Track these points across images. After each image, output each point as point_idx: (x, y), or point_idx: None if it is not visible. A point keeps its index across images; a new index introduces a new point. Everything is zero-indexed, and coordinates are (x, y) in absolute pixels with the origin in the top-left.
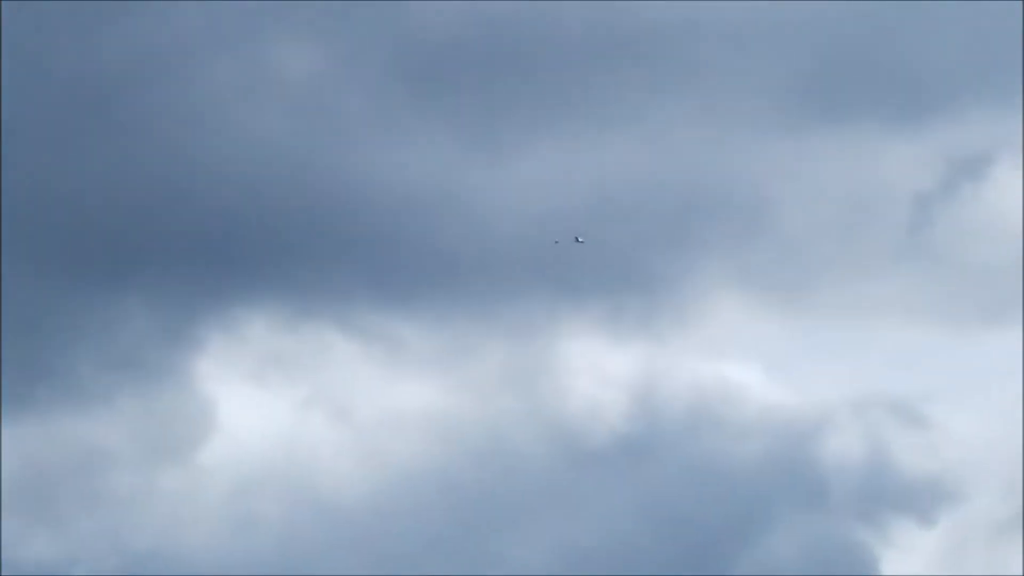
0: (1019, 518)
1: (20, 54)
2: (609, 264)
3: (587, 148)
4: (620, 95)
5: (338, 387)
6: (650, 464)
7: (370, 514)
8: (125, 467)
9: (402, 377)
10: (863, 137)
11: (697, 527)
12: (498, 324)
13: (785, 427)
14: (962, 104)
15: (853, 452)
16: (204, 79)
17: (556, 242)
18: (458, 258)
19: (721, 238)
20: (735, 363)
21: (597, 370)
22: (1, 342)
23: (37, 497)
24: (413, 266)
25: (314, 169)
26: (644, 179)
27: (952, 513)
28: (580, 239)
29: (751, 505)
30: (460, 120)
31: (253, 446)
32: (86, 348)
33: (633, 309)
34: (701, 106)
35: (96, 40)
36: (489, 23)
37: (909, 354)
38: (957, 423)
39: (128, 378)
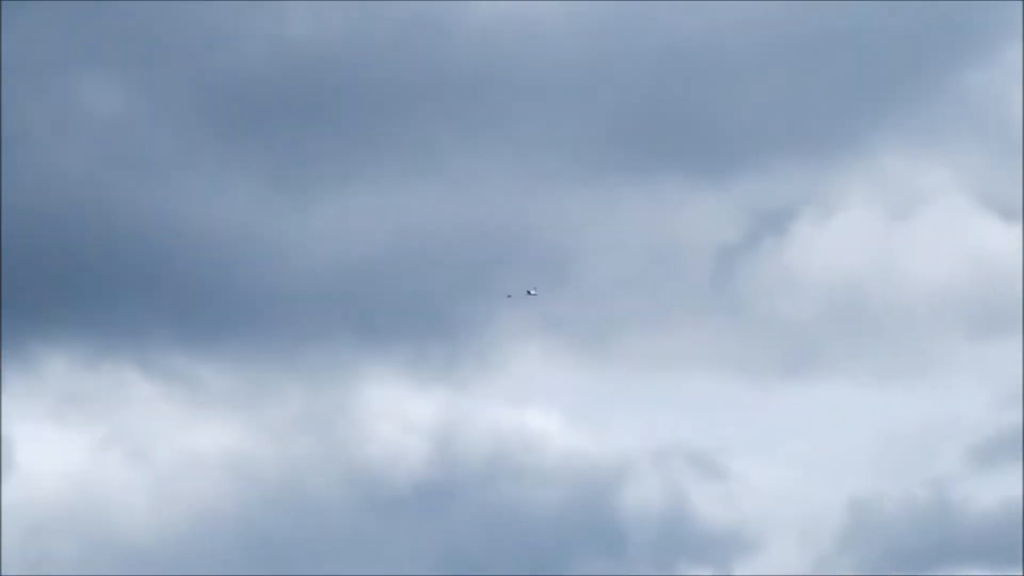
0: (814, 571)
1: None
2: (412, 309)
3: (392, 193)
4: (426, 142)
5: (136, 427)
6: (449, 511)
7: (167, 556)
8: None
9: (201, 418)
10: (667, 189)
11: (496, 573)
12: (299, 367)
13: (585, 475)
14: (766, 158)
15: (652, 502)
16: (8, 115)
17: (509, 296)
18: (260, 299)
19: (523, 285)
20: (536, 411)
21: (398, 415)
22: None
23: None
24: (215, 306)
25: (116, 206)
26: (449, 225)
27: (748, 564)
28: (533, 291)
29: (549, 553)
30: (266, 161)
31: (49, 485)
32: None
33: (435, 355)
34: (506, 155)
35: None
36: (298, 65)
37: (709, 405)
38: (755, 475)
39: None
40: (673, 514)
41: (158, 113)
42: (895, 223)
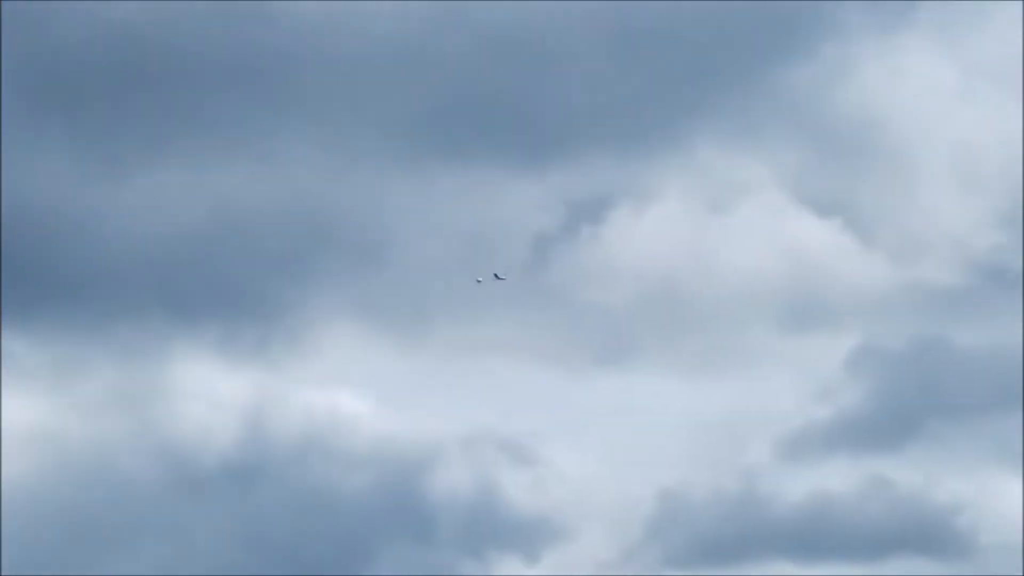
0: (621, 558)
1: None
2: (225, 289)
3: (207, 171)
4: (244, 121)
5: None
6: (259, 491)
7: None
8: None
9: (10, 392)
10: (484, 176)
11: (304, 556)
12: (110, 343)
13: (395, 460)
14: (583, 148)
15: (462, 487)
16: None
17: (479, 280)
18: (71, 275)
19: (339, 269)
20: (348, 393)
21: (209, 394)
22: None
23: None
24: (25, 280)
25: None
26: (264, 205)
27: (557, 551)
28: (501, 276)
29: (359, 536)
30: (80, 135)
31: None
32: None
33: (248, 335)
34: (324, 137)
35: None
36: (114, 42)
37: (521, 392)
38: (565, 463)
39: None
40: (483, 500)
41: None
42: (711, 216)
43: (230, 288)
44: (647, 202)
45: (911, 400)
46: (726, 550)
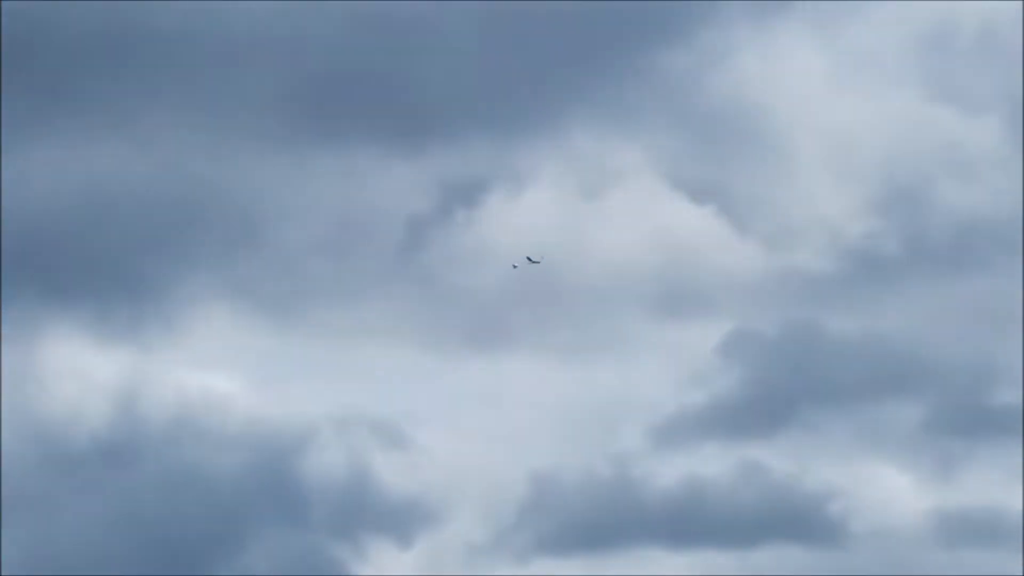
0: (493, 541)
1: None
2: (98, 268)
3: (80, 148)
4: (118, 98)
5: None
6: (131, 472)
7: None
8: None
9: None
10: (359, 157)
11: (175, 537)
12: None
13: (268, 441)
14: (459, 130)
15: (335, 470)
16: None
17: (514, 266)
18: None
19: (212, 249)
20: (221, 375)
21: (81, 374)
22: None
23: None
24: None
25: None
26: (137, 184)
27: (430, 534)
28: (535, 259)
29: (230, 518)
30: None
31: None
32: None
33: (120, 315)
34: (198, 116)
35: None
36: None
37: (395, 375)
38: (438, 446)
39: None
40: (355, 483)
41: None
42: (585, 200)
43: (102, 268)
44: (522, 186)
45: (784, 386)
46: (598, 535)
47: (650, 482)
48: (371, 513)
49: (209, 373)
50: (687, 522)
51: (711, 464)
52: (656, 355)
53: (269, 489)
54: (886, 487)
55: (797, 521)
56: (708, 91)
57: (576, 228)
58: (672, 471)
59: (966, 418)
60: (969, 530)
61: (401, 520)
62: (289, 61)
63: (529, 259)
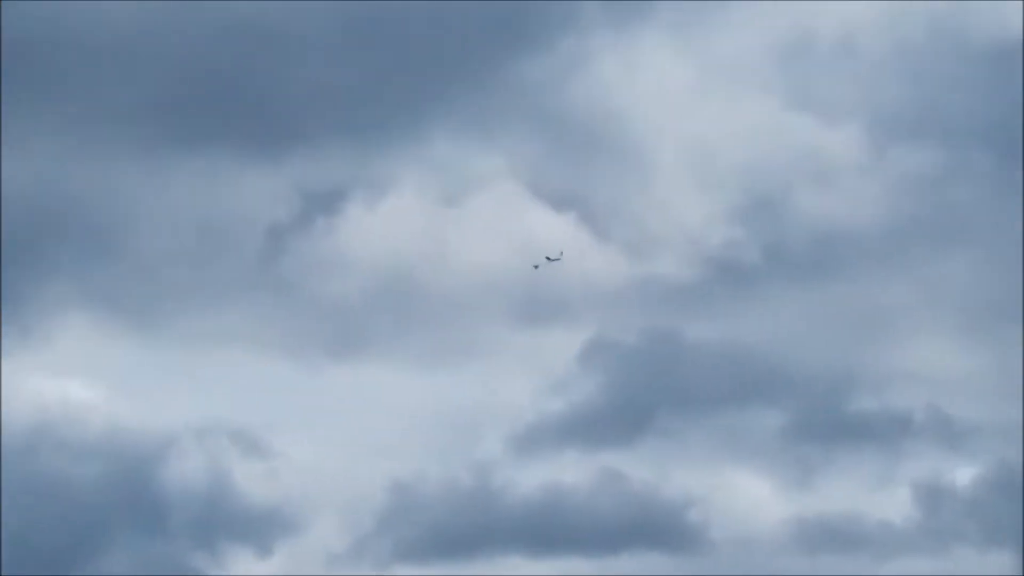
0: (353, 550)
1: None
2: None
3: None
4: None
5: None
6: None
7: None
8: None
9: None
10: (219, 165)
11: (34, 545)
12: None
13: (128, 450)
14: (319, 138)
15: (195, 478)
16: None
17: (536, 267)
18: None
19: (71, 256)
20: (80, 383)
21: None
22: None
23: None
24: None
25: None
26: None
27: (290, 542)
28: (556, 257)
29: (90, 526)
30: None
31: None
32: None
33: None
34: (57, 124)
35: None
36: None
37: (255, 383)
38: (299, 454)
39: None
40: (215, 491)
41: None
42: (446, 208)
43: None
44: (382, 193)
45: (644, 394)
46: (459, 543)
47: (510, 490)
48: (230, 521)
49: (68, 381)
50: (547, 529)
51: (571, 472)
52: (517, 363)
53: (128, 497)
54: (745, 494)
55: (657, 528)
56: (569, 98)
57: (437, 235)
58: (532, 479)
59: (824, 425)
60: (827, 536)
61: (260, 528)
62: (148, 68)
63: (548, 258)
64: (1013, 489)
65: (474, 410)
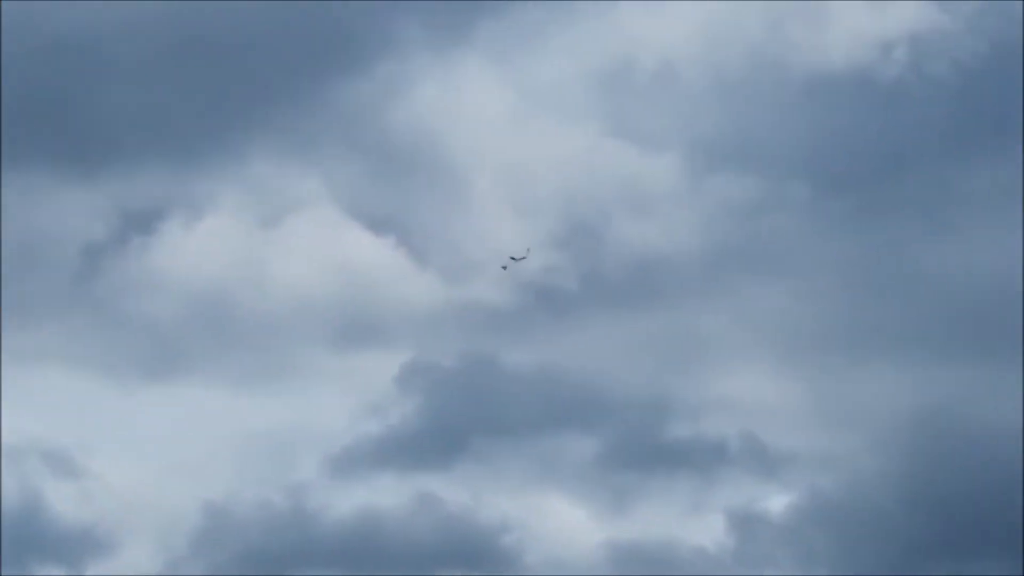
0: (166, 572)
1: None
2: None
3: None
4: None
5: None
6: None
7: None
8: None
9: None
10: (33, 182)
11: None
12: None
13: None
14: (136, 157)
15: (7, 497)
16: None
17: (504, 267)
18: None
19: None
20: None
21: None
22: None
23: None
24: None
25: None
26: None
27: (102, 564)
28: (518, 256)
29: None
30: None
31: None
32: None
33: None
34: None
35: None
36: None
37: (67, 403)
38: (112, 475)
39: None
40: (26, 511)
41: None
42: (263, 230)
43: None
44: (199, 214)
45: (460, 418)
46: (273, 565)
47: (326, 512)
48: (42, 542)
49: None
50: (363, 553)
51: (387, 495)
52: (333, 385)
53: None
54: (560, 519)
55: (472, 552)
56: (387, 122)
57: (254, 257)
58: (348, 501)
59: (640, 451)
60: (642, 561)
61: (72, 549)
62: None
63: (513, 258)
64: (826, 517)
65: (290, 432)
